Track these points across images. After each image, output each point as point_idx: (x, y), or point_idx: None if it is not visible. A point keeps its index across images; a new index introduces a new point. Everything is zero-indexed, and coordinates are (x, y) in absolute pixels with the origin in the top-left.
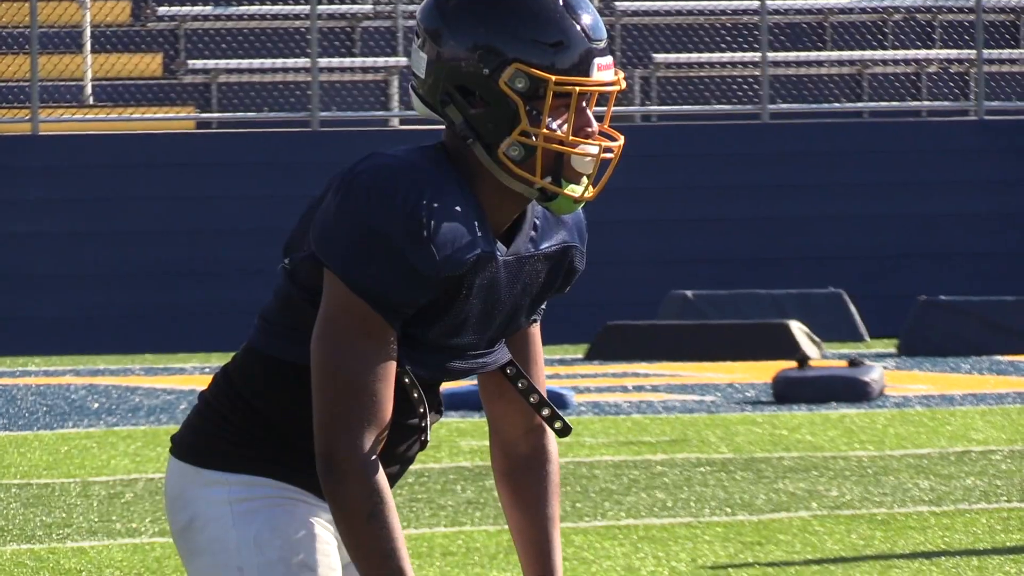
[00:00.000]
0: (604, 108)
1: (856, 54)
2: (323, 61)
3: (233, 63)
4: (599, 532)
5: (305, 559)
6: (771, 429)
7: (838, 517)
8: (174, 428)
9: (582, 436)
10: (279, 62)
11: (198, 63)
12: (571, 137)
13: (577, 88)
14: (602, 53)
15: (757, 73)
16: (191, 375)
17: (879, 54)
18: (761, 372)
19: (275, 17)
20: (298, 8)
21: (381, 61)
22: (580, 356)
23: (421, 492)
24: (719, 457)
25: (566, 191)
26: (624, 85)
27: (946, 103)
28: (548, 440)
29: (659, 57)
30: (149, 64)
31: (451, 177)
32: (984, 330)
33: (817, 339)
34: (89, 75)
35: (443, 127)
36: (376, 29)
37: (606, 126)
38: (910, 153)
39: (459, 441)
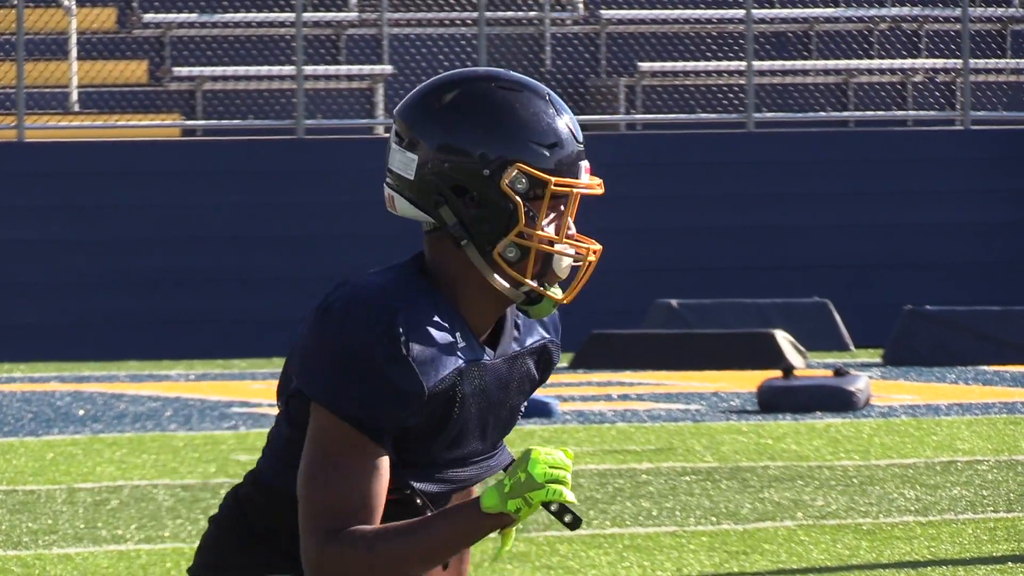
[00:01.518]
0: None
1: (842, 63)
2: (308, 69)
3: (219, 71)
4: (584, 541)
5: None
6: (756, 438)
7: (823, 527)
8: (159, 435)
9: (567, 444)
10: (264, 70)
11: (183, 70)
12: (566, 240)
13: (575, 191)
14: (584, 156)
15: (743, 82)
16: (176, 382)
17: (865, 63)
18: (746, 381)
19: (260, 25)
20: (283, 16)
21: (367, 69)
22: (565, 365)
23: None
24: (704, 466)
25: (549, 294)
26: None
27: (932, 112)
28: None
29: (644, 66)
30: (135, 71)
31: (427, 292)
32: (970, 340)
33: (802, 348)
34: (75, 82)
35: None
36: (361, 37)
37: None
38: (896, 163)
39: None
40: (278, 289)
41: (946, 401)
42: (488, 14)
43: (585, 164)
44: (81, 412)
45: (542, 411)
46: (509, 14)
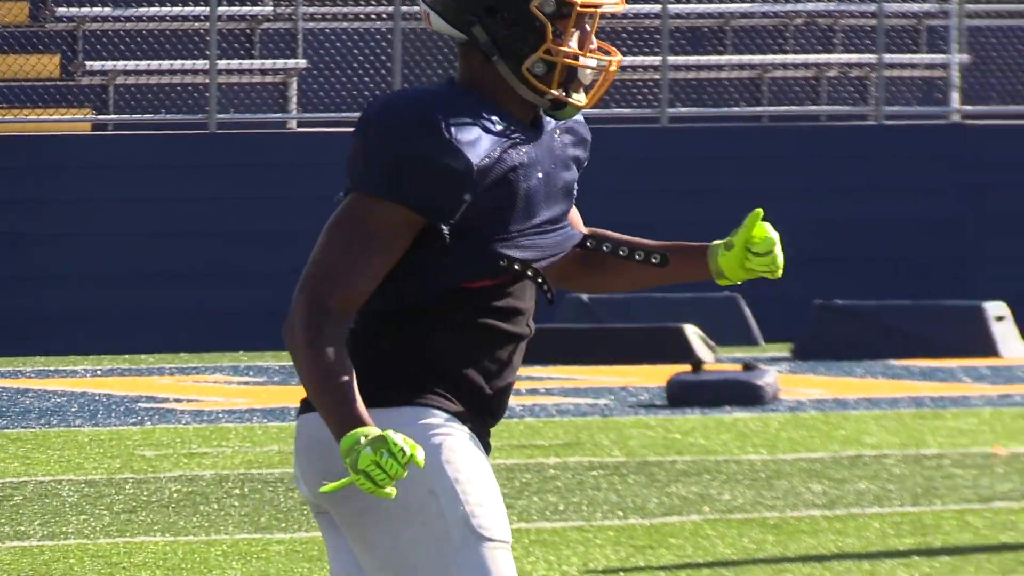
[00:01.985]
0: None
1: (756, 58)
2: (221, 63)
3: (131, 65)
4: None
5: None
6: (664, 433)
7: (730, 521)
8: (65, 431)
9: None
10: (178, 64)
11: (96, 64)
12: (585, 53)
13: (598, 11)
14: None
15: (657, 77)
16: (83, 377)
17: (779, 58)
18: (656, 376)
19: (174, 19)
20: (198, 10)
21: (280, 63)
22: None
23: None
24: (612, 461)
25: (572, 100)
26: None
27: (846, 108)
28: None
29: None
30: (47, 65)
31: (460, 94)
32: (879, 334)
33: (711, 343)
34: None
35: (338, 130)
36: (276, 31)
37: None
38: (809, 158)
39: None
40: (185, 284)
41: (854, 395)
42: (404, 8)
43: None
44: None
45: None
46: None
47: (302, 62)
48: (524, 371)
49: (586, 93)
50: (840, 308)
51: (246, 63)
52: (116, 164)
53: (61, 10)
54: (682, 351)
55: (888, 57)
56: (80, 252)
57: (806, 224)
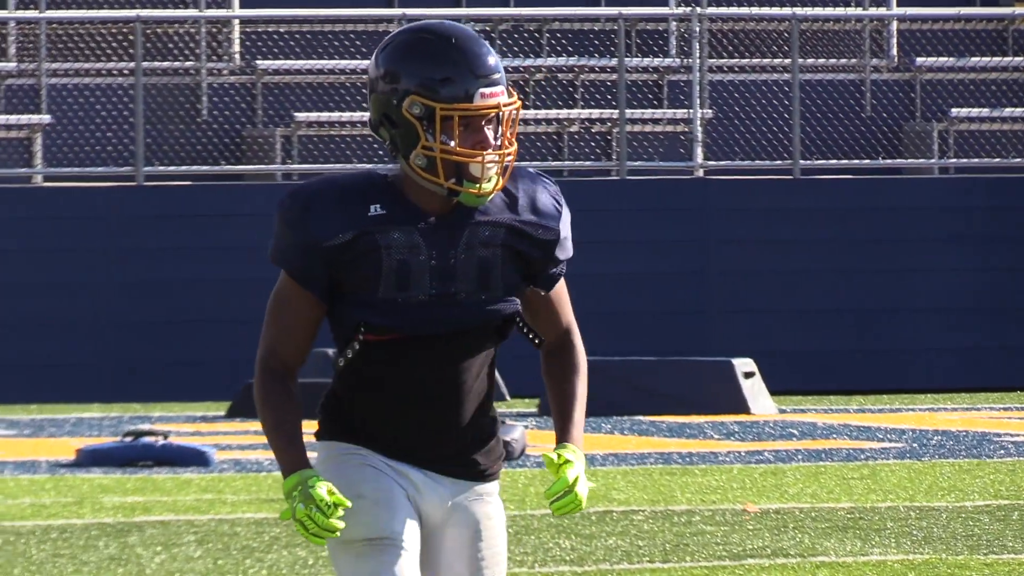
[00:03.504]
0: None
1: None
2: None
3: None
4: None
5: (357, 489)
6: None
7: None
8: None
9: (224, 493)
10: None
11: None
12: (460, 149)
13: (456, 113)
14: (487, 84)
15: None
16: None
17: (522, 113)
18: None
19: None
20: None
21: (24, 119)
22: (222, 413)
23: (64, 548)
24: None
25: (465, 189)
26: (513, 107)
27: (588, 163)
28: (573, 338)
29: (300, 116)
30: None
31: (370, 179)
32: (625, 390)
33: None
34: None
35: (84, 184)
36: (20, 87)
37: (508, 137)
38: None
39: (102, 497)
40: None
41: (602, 451)
42: (145, 64)
43: (486, 91)
44: None
45: (198, 460)
46: (166, 64)
47: (47, 117)
48: None
49: (493, 182)
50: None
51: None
52: None
53: None
54: None
55: (630, 112)
56: None
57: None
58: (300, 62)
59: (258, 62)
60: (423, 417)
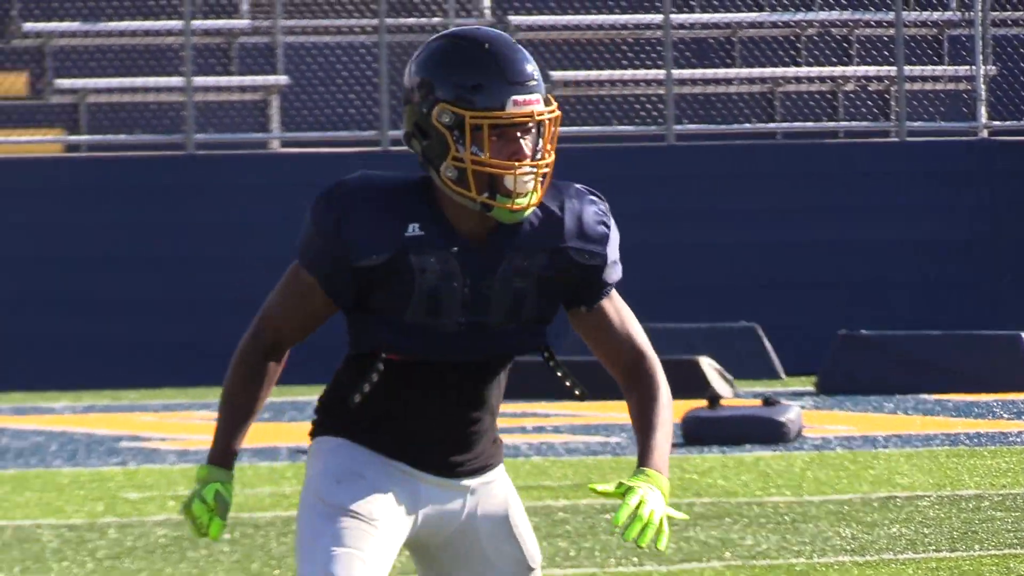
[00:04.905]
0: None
1: (767, 71)
2: (198, 80)
3: (103, 82)
4: None
5: (351, 472)
6: (681, 473)
7: (753, 568)
8: (44, 471)
9: None
10: (152, 81)
11: (66, 82)
12: (491, 160)
13: (487, 121)
14: (521, 91)
15: (661, 92)
16: (61, 414)
17: (792, 71)
18: None
19: (147, 33)
20: (171, 24)
21: (260, 80)
22: None
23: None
24: None
25: (498, 204)
26: (550, 115)
27: (865, 123)
28: (647, 365)
29: (556, 74)
30: (14, 83)
31: (409, 192)
32: (908, 367)
33: (729, 376)
34: None
35: (323, 150)
36: (254, 46)
37: (547, 148)
38: (827, 177)
39: None
40: (168, 314)
41: (884, 432)
42: (389, 20)
43: (519, 98)
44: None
45: None
46: (411, 20)
47: (283, 78)
48: (529, 407)
49: (528, 196)
50: (866, 339)
51: (224, 80)
52: (89, 186)
53: (28, 26)
54: (698, 385)
55: (908, 69)
56: (54, 278)
57: (827, 247)
58: (555, 17)
59: (510, 18)
60: (437, 435)
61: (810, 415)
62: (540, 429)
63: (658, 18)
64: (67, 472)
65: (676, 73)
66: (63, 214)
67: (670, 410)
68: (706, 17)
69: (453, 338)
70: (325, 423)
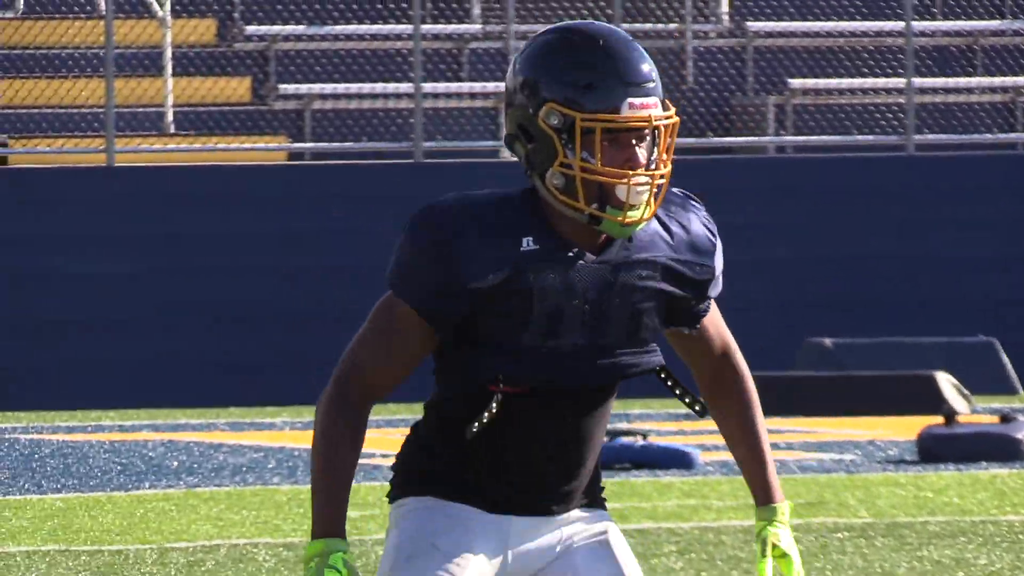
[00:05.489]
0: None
1: (1009, 80)
2: (427, 86)
3: (328, 88)
4: None
5: (433, 543)
6: (916, 491)
7: None
8: (261, 489)
9: (708, 499)
10: (379, 87)
11: (290, 88)
12: (603, 168)
13: (599, 125)
14: (638, 93)
15: (902, 100)
16: (281, 431)
17: None
18: (905, 428)
19: (374, 38)
20: (400, 28)
21: (491, 86)
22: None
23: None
24: (858, 522)
25: (608, 216)
26: (665, 121)
27: None
28: (734, 360)
29: (795, 83)
30: (236, 89)
31: (513, 207)
32: None
33: (967, 392)
34: (170, 101)
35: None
36: (485, 51)
37: (663, 157)
38: None
39: None
40: None
41: None
42: (625, 26)
43: (635, 100)
44: (175, 464)
45: (681, 462)
46: (648, 26)
47: None
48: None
49: (641, 209)
50: None
51: (454, 86)
52: (311, 194)
53: (251, 29)
54: (934, 401)
55: None
56: (275, 290)
57: None
58: (795, 24)
59: (748, 24)
60: (543, 469)
61: None
62: (772, 446)
63: (899, 25)
64: (285, 490)
65: (917, 82)
66: (285, 223)
67: (762, 415)
68: (948, 25)
69: (573, 361)
70: (404, 482)
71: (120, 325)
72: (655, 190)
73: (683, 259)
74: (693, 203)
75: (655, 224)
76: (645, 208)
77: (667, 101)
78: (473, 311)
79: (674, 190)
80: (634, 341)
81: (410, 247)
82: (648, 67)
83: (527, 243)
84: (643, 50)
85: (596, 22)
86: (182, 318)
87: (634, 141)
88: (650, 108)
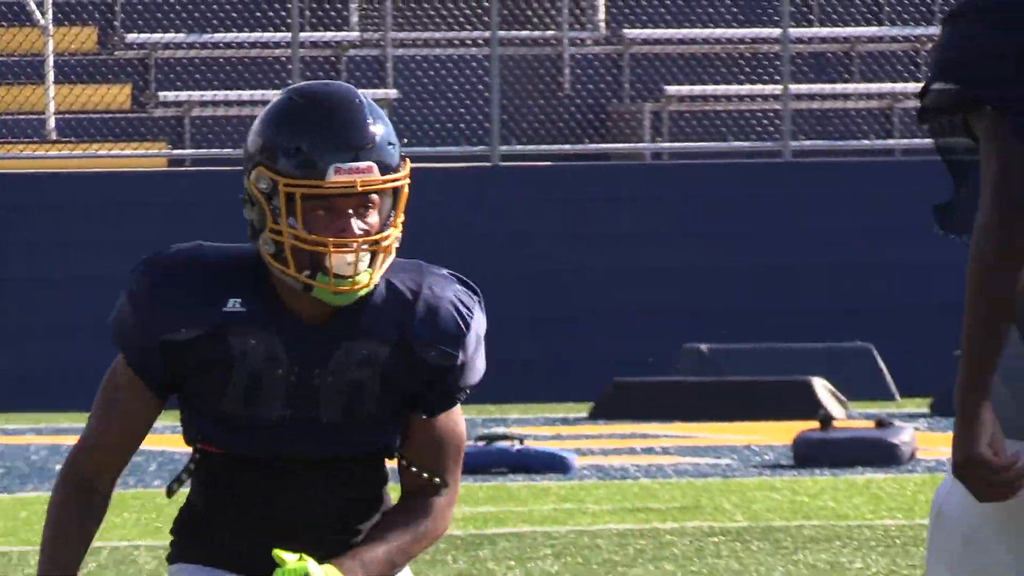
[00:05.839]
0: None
1: (886, 86)
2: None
3: (208, 95)
4: None
5: None
6: (791, 495)
7: None
8: (142, 491)
9: (584, 503)
10: (259, 94)
11: (170, 95)
12: (305, 235)
13: (299, 190)
14: (347, 159)
15: (778, 107)
16: (162, 434)
17: (911, 86)
18: (781, 433)
19: (253, 45)
20: (279, 36)
21: (369, 93)
22: (584, 415)
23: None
24: (734, 526)
25: (318, 284)
26: (381, 186)
27: None
28: (441, 497)
29: (671, 89)
30: (117, 96)
31: (237, 264)
32: None
33: (843, 397)
34: (52, 108)
35: (435, 165)
36: (363, 59)
37: (396, 221)
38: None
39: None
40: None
41: None
42: (501, 33)
43: (343, 166)
44: (57, 467)
45: (558, 466)
46: (524, 33)
47: (392, 91)
48: (637, 428)
49: (359, 277)
50: None
51: None
52: (192, 201)
53: (131, 37)
54: (811, 406)
55: None
56: None
57: (941, 268)
58: (671, 31)
59: (625, 31)
60: (273, 534)
61: (924, 437)
62: (648, 450)
63: (776, 32)
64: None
65: (794, 88)
66: (166, 230)
67: (419, 547)
68: (825, 31)
69: (275, 431)
70: (177, 545)
71: (3, 332)
72: (382, 255)
73: (418, 337)
74: (454, 282)
75: (397, 298)
76: (364, 275)
77: (404, 162)
78: (173, 368)
79: (446, 271)
80: (355, 418)
81: (124, 295)
82: (374, 130)
83: (234, 304)
84: (380, 113)
85: (335, 83)
86: (66, 325)
87: (351, 210)
88: (361, 173)
